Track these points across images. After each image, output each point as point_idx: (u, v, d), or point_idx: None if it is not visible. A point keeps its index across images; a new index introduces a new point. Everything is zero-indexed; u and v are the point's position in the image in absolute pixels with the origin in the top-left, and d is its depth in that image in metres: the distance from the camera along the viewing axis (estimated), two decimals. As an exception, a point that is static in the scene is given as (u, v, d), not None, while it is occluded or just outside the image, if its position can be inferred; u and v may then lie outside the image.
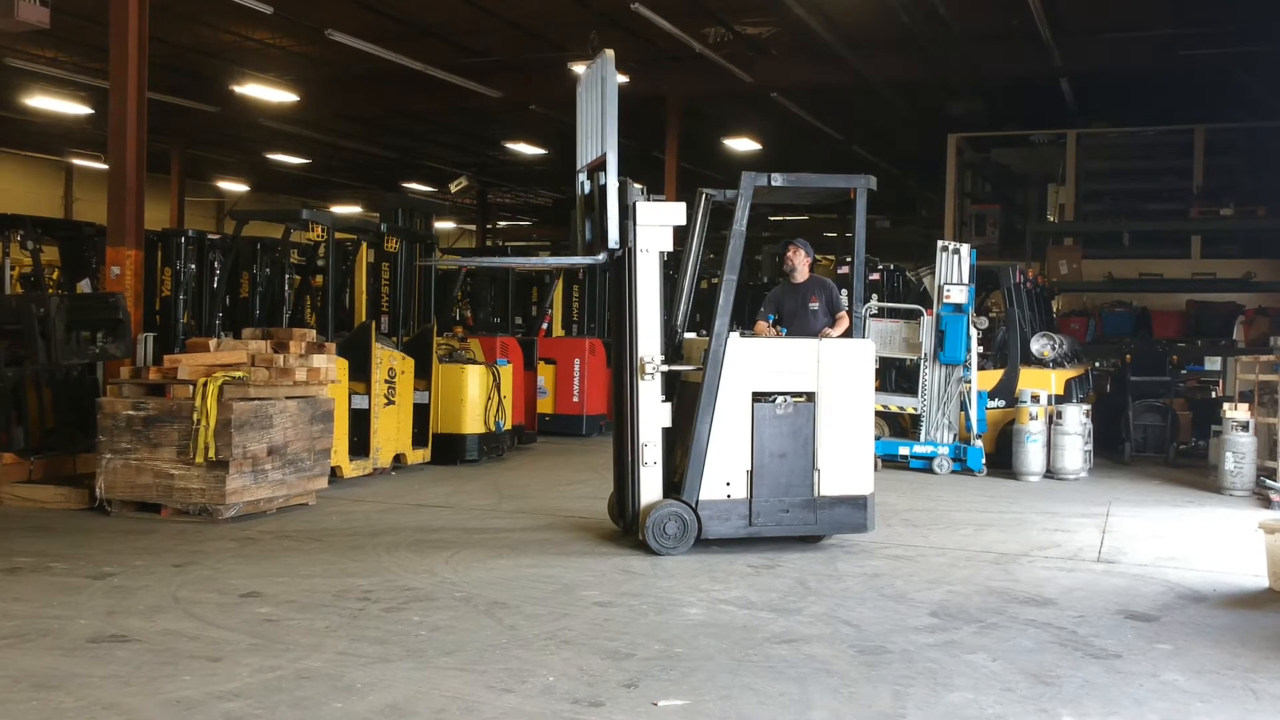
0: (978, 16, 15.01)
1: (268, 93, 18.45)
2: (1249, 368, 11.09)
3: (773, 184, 7.22)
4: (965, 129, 19.73)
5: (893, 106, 19.42)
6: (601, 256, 7.15)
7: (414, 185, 29.63)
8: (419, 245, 11.46)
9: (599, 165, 7.14)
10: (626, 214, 7.04)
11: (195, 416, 7.70)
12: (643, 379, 7.02)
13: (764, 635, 5.24)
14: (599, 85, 7.18)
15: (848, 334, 7.98)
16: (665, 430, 7.12)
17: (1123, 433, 12.54)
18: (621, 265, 7.15)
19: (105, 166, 12.26)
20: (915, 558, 7.13)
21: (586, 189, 7.39)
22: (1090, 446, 11.25)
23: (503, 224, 38.58)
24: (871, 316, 11.51)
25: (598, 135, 7.19)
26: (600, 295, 14.89)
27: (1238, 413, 10.25)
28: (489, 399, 11.09)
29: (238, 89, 18.41)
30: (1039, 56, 15.66)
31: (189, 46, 17.20)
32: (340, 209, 30.87)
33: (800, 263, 8.78)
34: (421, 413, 10.68)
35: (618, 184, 7.00)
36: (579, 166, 7.50)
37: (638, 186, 7.18)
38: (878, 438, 10.63)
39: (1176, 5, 14.39)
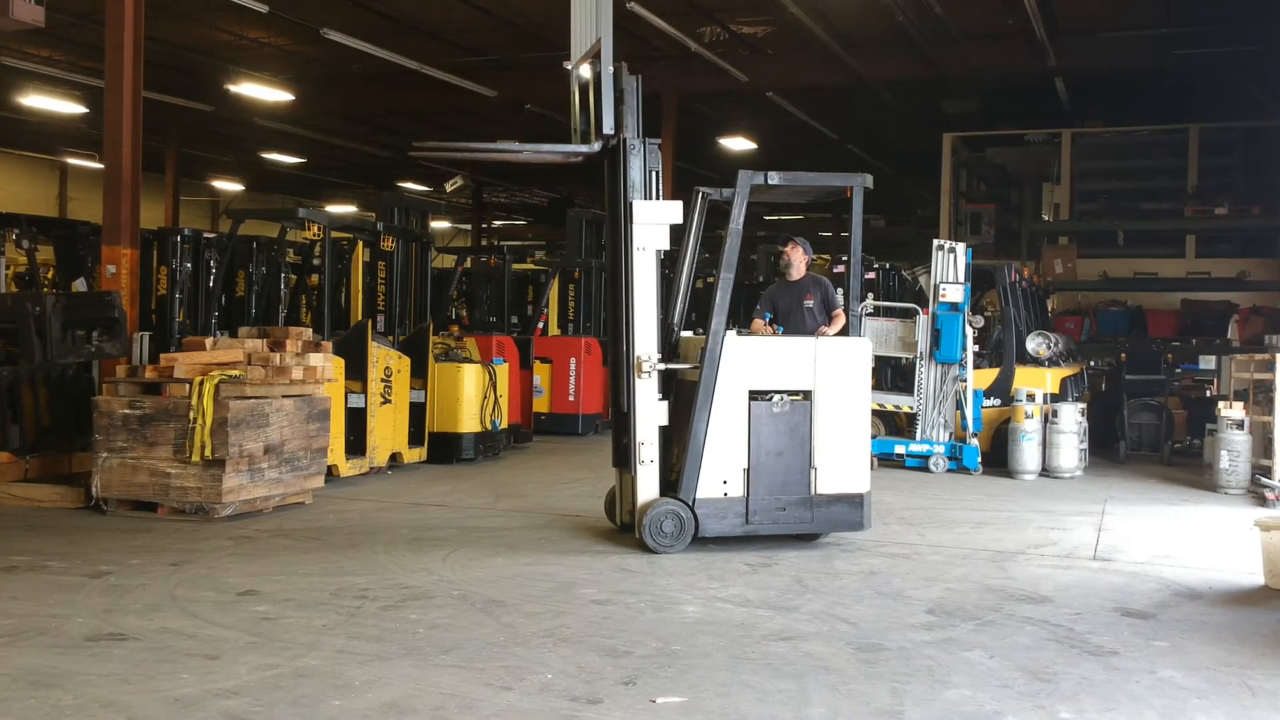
0: (973, 16, 15.03)
1: (263, 91, 18.41)
2: (1244, 366, 11.11)
3: (770, 182, 7.21)
4: (961, 128, 19.76)
5: (888, 106, 19.43)
6: (596, 145, 7.09)
7: (410, 184, 29.60)
8: (415, 244, 11.46)
9: (593, 53, 7.03)
10: (621, 99, 6.97)
11: (191, 415, 7.69)
12: (640, 377, 7.02)
13: (761, 633, 5.25)
14: None
15: (844, 332, 8.00)
16: (662, 429, 7.12)
17: (1118, 431, 12.56)
18: (616, 156, 7.07)
19: (100, 165, 12.26)
20: (912, 556, 7.14)
21: (581, 79, 7.28)
22: (1085, 445, 11.26)
23: (498, 223, 38.59)
24: (867, 315, 11.51)
25: (592, 23, 7.06)
26: (596, 294, 14.89)
27: (1233, 411, 10.26)
28: (485, 398, 11.09)
29: (233, 88, 18.37)
30: (1034, 56, 15.68)
31: (184, 45, 17.18)
32: (336, 208, 30.80)
33: (797, 260, 8.82)
34: (418, 411, 10.67)
35: (612, 69, 6.91)
36: (572, 63, 7.40)
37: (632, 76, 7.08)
38: (874, 436, 10.64)
39: (1171, 5, 14.41)
